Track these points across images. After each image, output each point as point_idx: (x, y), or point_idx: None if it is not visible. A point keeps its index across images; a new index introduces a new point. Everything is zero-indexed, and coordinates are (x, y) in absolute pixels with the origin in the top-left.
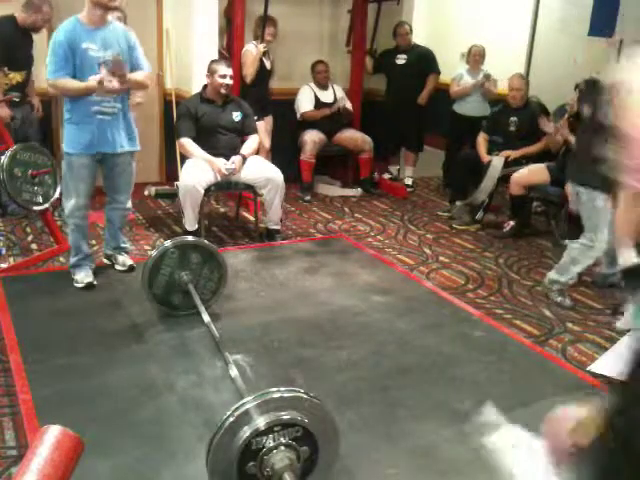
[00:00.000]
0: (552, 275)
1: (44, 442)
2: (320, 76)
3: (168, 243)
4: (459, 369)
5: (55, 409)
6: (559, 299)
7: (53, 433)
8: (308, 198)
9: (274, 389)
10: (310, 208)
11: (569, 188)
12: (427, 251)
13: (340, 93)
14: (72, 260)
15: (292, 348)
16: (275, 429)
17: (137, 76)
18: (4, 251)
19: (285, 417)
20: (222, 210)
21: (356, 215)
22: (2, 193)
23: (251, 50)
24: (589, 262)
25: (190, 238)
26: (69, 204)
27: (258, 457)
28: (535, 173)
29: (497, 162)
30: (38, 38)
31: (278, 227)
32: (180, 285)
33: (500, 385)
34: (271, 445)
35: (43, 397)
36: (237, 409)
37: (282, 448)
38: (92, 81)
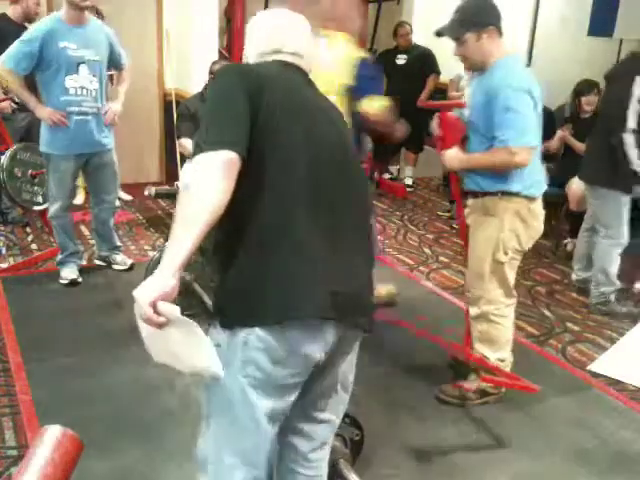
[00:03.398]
0: (596, 292)
1: (44, 442)
2: None
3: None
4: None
5: (55, 409)
6: (623, 309)
7: (53, 433)
8: None
9: None
10: None
11: (573, 188)
12: (427, 251)
13: None
14: (59, 257)
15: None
16: None
17: (122, 94)
18: (4, 251)
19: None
20: None
21: None
22: (2, 200)
23: None
24: (617, 257)
25: None
26: (54, 206)
27: None
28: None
29: None
30: None
31: None
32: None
33: None
34: None
35: (43, 397)
36: None
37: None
38: (46, 115)
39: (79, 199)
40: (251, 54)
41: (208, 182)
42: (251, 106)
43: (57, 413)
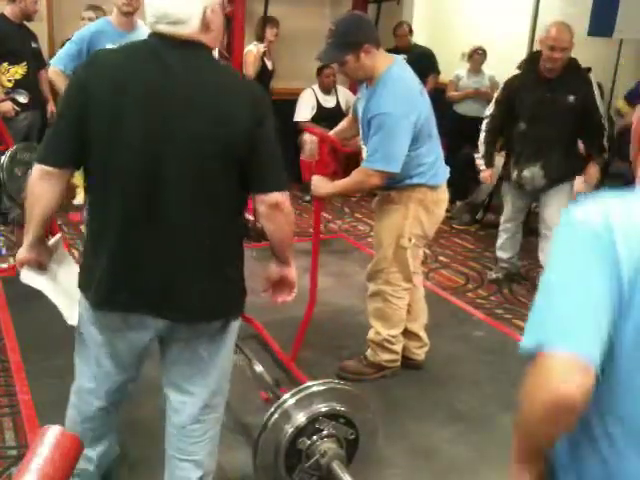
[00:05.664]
0: None
1: (44, 442)
2: (327, 80)
3: None
4: (459, 369)
5: (55, 409)
6: None
7: (53, 433)
8: (308, 198)
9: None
10: (310, 208)
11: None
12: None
13: (346, 97)
14: None
15: (291, 348)
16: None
17: None
18: (4, 251)
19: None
20: None
21: (356, 215)
22: (2, 201)
23: (252, 50)
24: None
25: None
26: None
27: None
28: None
29: (498, 161)
30: (38, 33)
31: None
32: None
33: (500, 385)
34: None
35: (43, 397)
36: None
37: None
38: None
39: (79, 199)
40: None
41: (30, 189)
42: (77, 120)
43: (57, 413)
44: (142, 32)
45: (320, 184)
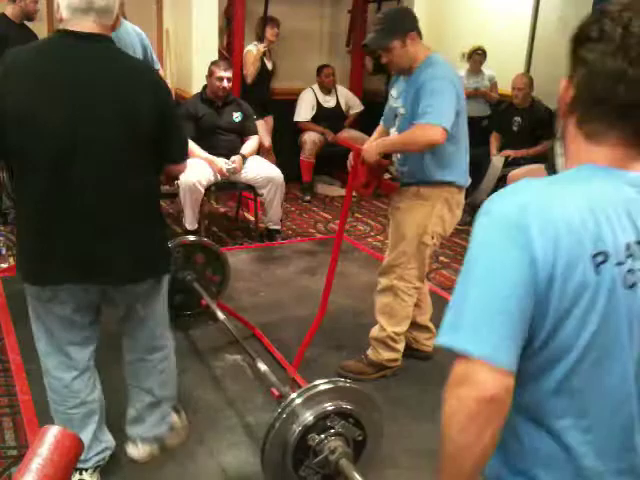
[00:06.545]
0: None
1: (44, 442)
2: (326, 80)
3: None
4: None
5: None
6: None
7: (53, 433)
8: (308, 198)
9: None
10: (310, 208)
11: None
12: None
13: (345, 97)
14: None
15: (292, 348)
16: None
17: None
18: (4, 251)
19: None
20: (222, 210)
21: (356, 215)
22: (2, 201)
23: (252, 50)
24: None
25: (192, 237)
26: None
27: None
28: (533, 173)
29: (497, 162)
30: (38, 32)
31: (278, 227)
32: (183, 285)
33: None
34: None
35: (43, 397)
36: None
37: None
38: None
39: None
40: None
41: None
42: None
43: None
44: (125, 29)
45: (367, 153)
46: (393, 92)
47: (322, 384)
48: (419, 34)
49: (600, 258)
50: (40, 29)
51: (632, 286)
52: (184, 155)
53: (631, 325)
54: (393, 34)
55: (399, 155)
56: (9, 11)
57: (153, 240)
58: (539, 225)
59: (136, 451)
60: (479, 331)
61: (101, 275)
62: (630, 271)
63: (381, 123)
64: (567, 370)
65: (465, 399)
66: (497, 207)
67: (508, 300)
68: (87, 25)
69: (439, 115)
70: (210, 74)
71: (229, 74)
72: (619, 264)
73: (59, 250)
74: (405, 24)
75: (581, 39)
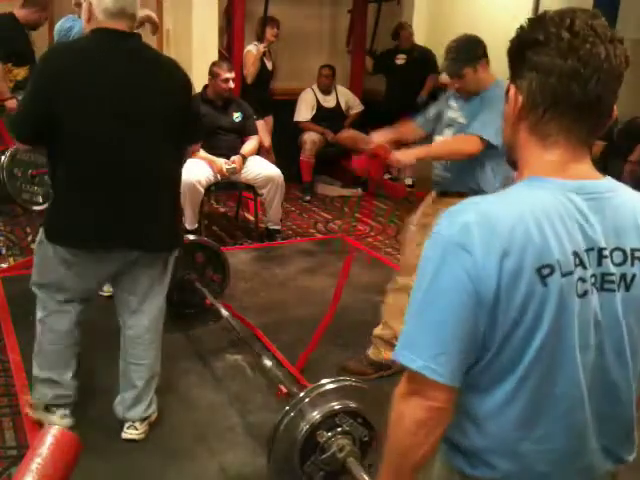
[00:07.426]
0: None
1: (44, 442)
2: (325, 80)
3: None
4: None
5: None
6: None
7: (53, 433)
8: (308, 198)
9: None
10: (310, 208)
11: None
12: None
13: (345, 97)
14: None
15: (292, 348)
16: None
17: None
18: (4, 251)
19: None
20: (222, 210)
21: (356, 215)
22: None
23: (252, 50)
24: None
25: (192, 236)
26: None
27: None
28: None
29: None
30: (38, 34)
31: (278, 227)
32: (183, 285)
33: None
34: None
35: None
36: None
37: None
38: None
39: None
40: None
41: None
42: (46, 104)
43: None
44: None
45: (402, 154)
46: (452, 102)
47: (328, 383)
48: (488, 61)
49: (546, 271)
50: (40, 29)
51: (584, 294)
52: (203, 135)
53: (584, 332)
54: (466, 62)
55: (442, 162)
56: (22, 14)
57: (177, 217)
58: (481, 243)
59: (135, 432)
60: (426, 348)
61: (144, 242)
62: (581, 279)
63: (415, 121)
64: (517, 381)
65: (415, 407)
66: (443, 226)
67: (451, 319)
68: (120, 25)
69: (483, 126)
70: (215, 76)
71: (232, 75)
72: (568, 274)
73: (108, 218)
74: (477, 52)
75: (527, 44)
